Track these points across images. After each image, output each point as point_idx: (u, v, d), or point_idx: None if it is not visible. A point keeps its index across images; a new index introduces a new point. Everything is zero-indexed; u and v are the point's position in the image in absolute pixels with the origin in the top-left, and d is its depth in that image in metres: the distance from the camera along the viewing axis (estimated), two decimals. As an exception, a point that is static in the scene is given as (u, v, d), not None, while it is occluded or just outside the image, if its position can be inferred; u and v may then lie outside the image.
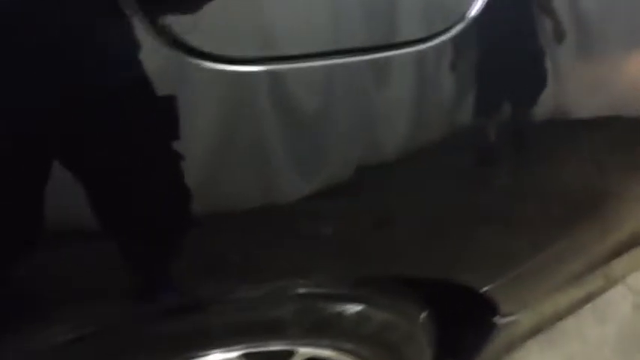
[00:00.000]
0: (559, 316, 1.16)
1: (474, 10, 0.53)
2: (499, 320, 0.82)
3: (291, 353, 0.74)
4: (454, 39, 0.53)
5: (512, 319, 0.84)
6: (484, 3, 0.54)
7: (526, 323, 0.97)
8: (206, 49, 0.43)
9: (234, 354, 0.69)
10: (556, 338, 1.41)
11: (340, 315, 0.71)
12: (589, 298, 1.22)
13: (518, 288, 0.78)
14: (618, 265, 1.14)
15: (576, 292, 1.04)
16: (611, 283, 1.25)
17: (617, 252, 0.93)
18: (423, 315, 0.79)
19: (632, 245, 0.96)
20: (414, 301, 0.77)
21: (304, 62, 0.47)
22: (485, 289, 0.72)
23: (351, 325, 0.72)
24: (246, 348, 0.68)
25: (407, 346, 0.80)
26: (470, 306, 0.83)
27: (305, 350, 0.73)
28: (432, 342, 0.85)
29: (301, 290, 0.65)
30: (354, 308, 0.71)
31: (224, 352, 0.67)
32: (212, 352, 0.66)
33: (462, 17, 0.53)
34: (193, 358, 0.66)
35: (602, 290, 1.23)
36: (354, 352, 0.77)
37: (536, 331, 1.15)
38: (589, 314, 1.47)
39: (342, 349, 0.76)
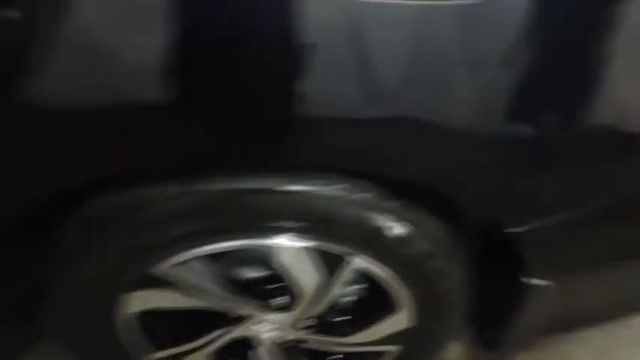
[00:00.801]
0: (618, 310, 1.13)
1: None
2: (528, 280, 0.92)
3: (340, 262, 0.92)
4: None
5: (544, 284, 0.93)
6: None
7: (571, 301, 1.02)
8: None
9: (301, 244, 0.89)
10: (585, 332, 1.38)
11: (385, 230, 0.86)
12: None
13: (552, 241, 0.86)
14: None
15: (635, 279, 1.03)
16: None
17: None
18: (460, 260, 0.93)
19: None
20: (454, 242, 0.91)
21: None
22: (512, 229, 0.83)
23: (392, 243, 0.88)
24: (311, 241, 0.88)
25: (440, 284, 0.94)
26: (501, 262, 0.94)
27: (358, 262, 0.90)
28: (464, 289, 0.97)
29: (362, 195, 0.83)
30: (398, 228, 0.87)
31: (291, 238, 0.87)
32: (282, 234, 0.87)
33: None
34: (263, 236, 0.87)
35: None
36: (396, 272, 0.93)
37: (589, 318, 1.12)
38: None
39: (387, 266, 0.92)
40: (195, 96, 0.71)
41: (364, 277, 0.98)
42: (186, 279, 0.91)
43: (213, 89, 0.71)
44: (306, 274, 0.93)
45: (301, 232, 0.88)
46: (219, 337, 1.04)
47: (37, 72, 0.66)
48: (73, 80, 0.67)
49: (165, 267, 0.89)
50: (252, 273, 0.97)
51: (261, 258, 0.94)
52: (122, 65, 0.67)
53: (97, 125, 0.72)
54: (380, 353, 1.10)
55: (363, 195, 0.85)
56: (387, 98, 0.71)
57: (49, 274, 0.90)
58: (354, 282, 1.02)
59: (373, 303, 1.02)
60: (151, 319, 0.99)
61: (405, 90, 0.70)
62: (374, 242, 0.89)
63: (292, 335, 1.07)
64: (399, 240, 0.88)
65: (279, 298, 0.99)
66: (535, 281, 0.93)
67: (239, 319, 1.03)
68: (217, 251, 0.89)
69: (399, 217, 0.87)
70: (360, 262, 0.92)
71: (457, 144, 0.75)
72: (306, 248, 0.89)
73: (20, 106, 0.69)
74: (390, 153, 0.78)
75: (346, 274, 0.93)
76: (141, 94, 0.69)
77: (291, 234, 0.88)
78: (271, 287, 0.98)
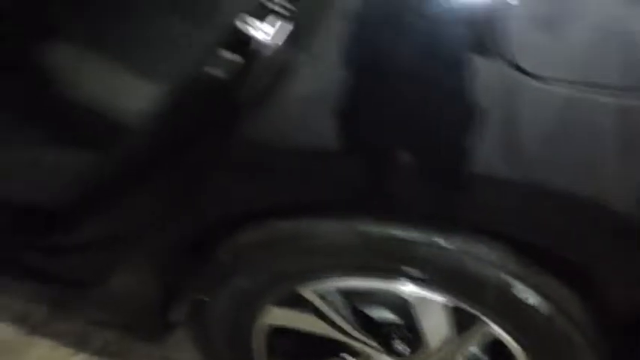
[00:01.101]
0: None
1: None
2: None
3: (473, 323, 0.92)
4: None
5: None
6: None
7: None
8: (529, 69, 0.70)
9: (435, 297, 0.90)
10: None
11: (523, 300, 0.86)
12: None
13: None
14: None
15: None
16: None
17: None
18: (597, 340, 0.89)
19: None
20: (594, 322, 0.88)
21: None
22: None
23: (529, 315, 0.87)
24: (447, 296, 0.89)
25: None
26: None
27: (493, 327, 0.90)
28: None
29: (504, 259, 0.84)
30: (540, 303, 0.86)
31: (427, 289, 0.90)
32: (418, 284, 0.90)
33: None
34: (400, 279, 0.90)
35: None
36: (527, 347, 0.91)
37: None
38: None
39: (519, 338, 0.91)
40: (363, 144, 0.79)
41: (489, 341, 0.97)
42: (319, 305, 0.97)
43: (380, 139, 0.78)
44: (434, 327, 0.94)
45: (438, 285, 0.89)
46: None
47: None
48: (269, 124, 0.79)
49: (306, 291, 0.95)
50: (380, 314, 1.00)
51: (392, 302, 0.97)
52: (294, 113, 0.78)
53: (282, 162, 0.82)
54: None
55: (505, 259, 0.85)
56: (534, 165, 0.74)
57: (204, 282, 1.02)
58: (478, 344, 1.01)
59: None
60: (276, 336, 1.06)
61: (552, 161, 0.73)
62: (509, 310, 0.88)
63: (402, 382, 1.08)
64: (537, 314, 0.86)
65: (399, 344, 1.01)
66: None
67: (356, 354, 1.06)
68: (354, 287, 0.94)
69: (540, 290, 0.86)
70: (492, 327, 0.91)
71: (599, 220, 0.76)
72: (441, 303, 0.91)
73: (230, 138, 0.81)
74: (534, 220, 0.79)
75: (475, 336, 0.93)
76: (319, 139, 0.78)
77: (428, 285, 0.90)
78: (395, 332, 1.01)
